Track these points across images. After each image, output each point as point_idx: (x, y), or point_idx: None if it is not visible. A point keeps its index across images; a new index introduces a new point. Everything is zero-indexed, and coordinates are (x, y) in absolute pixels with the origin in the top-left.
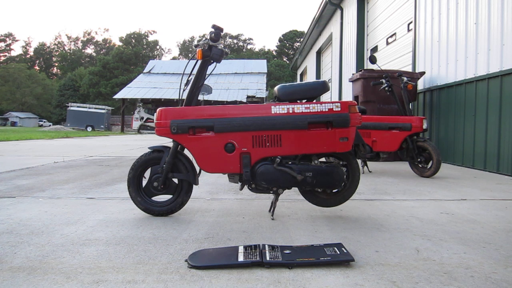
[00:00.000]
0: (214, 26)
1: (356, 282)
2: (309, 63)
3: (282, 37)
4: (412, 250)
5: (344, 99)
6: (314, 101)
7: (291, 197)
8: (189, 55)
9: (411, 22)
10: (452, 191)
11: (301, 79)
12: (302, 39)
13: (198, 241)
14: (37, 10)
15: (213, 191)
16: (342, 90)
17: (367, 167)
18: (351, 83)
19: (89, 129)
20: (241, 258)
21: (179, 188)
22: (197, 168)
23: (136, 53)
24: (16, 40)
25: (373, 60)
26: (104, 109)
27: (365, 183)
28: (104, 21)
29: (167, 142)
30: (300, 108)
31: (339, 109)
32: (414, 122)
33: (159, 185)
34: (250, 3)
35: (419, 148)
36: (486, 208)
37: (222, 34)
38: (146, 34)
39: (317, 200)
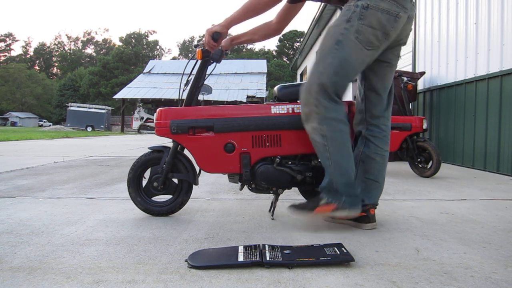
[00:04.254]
0: None
1: (356, 282)
2: (309, 63)
3: (282, 37)
4: (412, 250)
5: (344, 99)
6: None
7: (291, 197)
8: (189, 55)
9: None
10: (452, 191)
11: (301, 79)
12: (302, 39)
13: (198, 241)
14: (37, 10)
15: (213, 191)
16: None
17: None
18: (351, 83)
19: (89, 129)
20: (241, 258)
21: (179, 188)
22: (197, 168)
23: (136, 53)
24: (16, 40)
25: None
26: (104, 109)
27: None
28: (104, 21)
29: (167, 142)
30: (300, 108)
31: None
32: (414, 122)
33: (159, 185)
34: None
35: (419, 148)
36: (486, 208)
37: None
38: (146, 34)
39: None
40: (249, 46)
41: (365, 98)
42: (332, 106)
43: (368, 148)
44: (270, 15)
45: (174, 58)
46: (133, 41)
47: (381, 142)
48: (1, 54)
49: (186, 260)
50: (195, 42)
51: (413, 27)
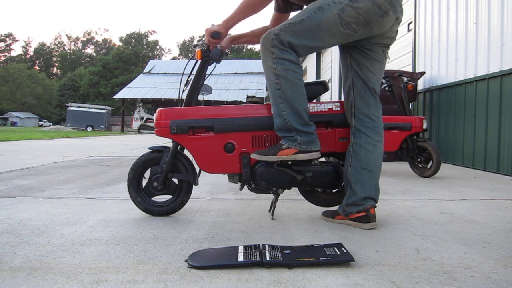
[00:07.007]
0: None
1: (356, 282)
2: (309, 63)
3: None
4: (412, 250)
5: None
6: (314, 101)
7: (291, 197)
8: (189, 55)
9: (411, 22)
10: (452, 191)
11: None
12: None
13: (198, 241)
14: (37, 10)
15: (213, 191)
16: (342, 90)
17: None
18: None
19: (89, 129)
20: (241, 258)
21: (179, 188)
22: (197, 168)
23: (136, 53)
24: (16, 40)
25: None
26: (104, 109)
27: None
28: (104, 21)
29: (167, 142)
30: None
31: (339, 108)
32: (414, 122)
33: (159, 185)
34: None
35: (419, 148)
36: (486, 208)
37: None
38: (146, 34)
39: (317, 200)
40: (249, 46)
41: (353, 87)
42: (286, 50)
43: (359, 138)
44: (268, 14)
45: (174, 58)
46: (133, 41)
47: (372, 133)
48: (1, 54)
49: (186, 260)
50: (195, 42)
51: (413, 27)
